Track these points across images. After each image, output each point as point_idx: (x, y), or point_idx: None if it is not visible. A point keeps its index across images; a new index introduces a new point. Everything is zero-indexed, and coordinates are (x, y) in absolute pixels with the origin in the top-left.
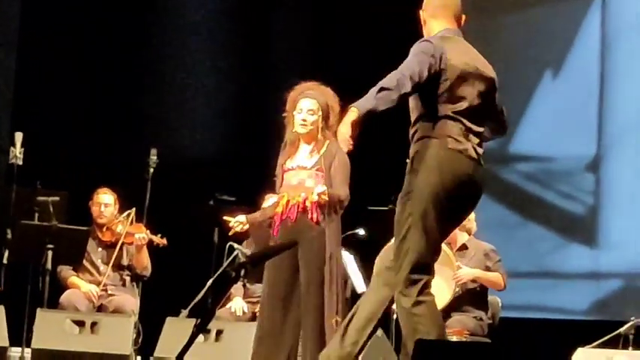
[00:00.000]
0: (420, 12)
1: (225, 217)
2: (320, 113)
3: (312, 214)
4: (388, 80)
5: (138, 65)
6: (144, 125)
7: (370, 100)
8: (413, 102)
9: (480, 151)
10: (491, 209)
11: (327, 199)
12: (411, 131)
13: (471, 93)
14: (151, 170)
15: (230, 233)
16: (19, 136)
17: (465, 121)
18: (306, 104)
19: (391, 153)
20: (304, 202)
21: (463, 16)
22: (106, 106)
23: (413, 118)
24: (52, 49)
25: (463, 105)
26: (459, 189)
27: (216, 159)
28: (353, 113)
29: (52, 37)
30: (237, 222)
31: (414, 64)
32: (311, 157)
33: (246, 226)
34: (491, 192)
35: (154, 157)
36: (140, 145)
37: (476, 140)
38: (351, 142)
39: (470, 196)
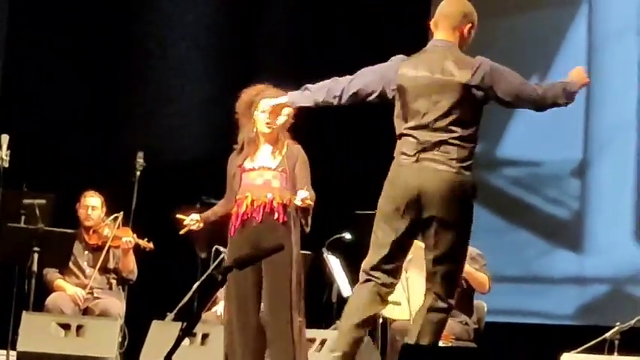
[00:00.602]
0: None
1: (178, 216)
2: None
3: (278, 214)
4: (321, 84)
5: (124, 68)
6: (131, 128)
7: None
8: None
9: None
10: (477, 214)
11: (311, 203)
12: None
13: (426, 106)
14: (138, 173)
15: (182, 232)
16: (5, 139)
17: (417, 134)
18: (270, 104)
19: (377, 158)
20: (271, 203)
21: (467, 26)
22: (93, 109)
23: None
24: (40, 52)
25: (418, 119)
26: (391, 191)
27: (203, 162)
28: (282, 98)
29: (39, 41)
30: (193, 220)
31: (363, 78)
32: (274, 158)
33: (201, 225)
34: (478, 197)
35: (140, 160)
36: (127, 148)
37: (437, 152)
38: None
39: (402, 196)
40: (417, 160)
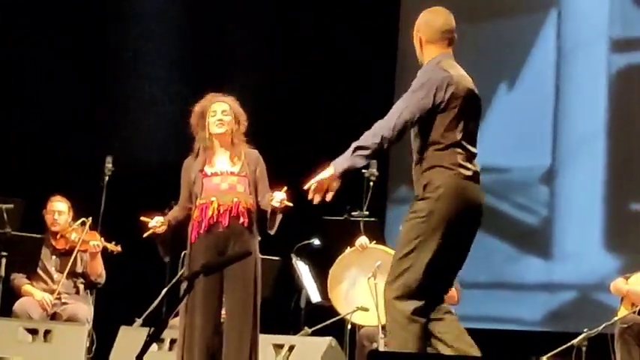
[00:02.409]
0: (415, 33)
1: (142, 218)
2: (233, 115)
3: (244, 219)
4: (371, 134)
5: (92, 74)
6: (99, 133)
7: (347, 160)
8: (416, 130)
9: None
10: None
11: (289, 204)
12: (417, 157)
13: (471, 117)
14: (107, 178)
15: (145, 235)
16: None
17: (468, 146)
18: (221, 107)
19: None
20: (237, 207)
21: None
22: (61, 114)
23: (417, 144)
24: (6, 59)
25: (466, 130)
26: (471, 216)
27: (171, 167)
28: (329, 170)
29: (8, 48)
30: (158, 222)
31: (414, 105)
32: (234, 164)
33: (166, 227)
34: None
35: (109, 165)
36: (95, 152)
37: (476, 164)
38: (318, 197)
39: (478, 222)
40: (475, 174)
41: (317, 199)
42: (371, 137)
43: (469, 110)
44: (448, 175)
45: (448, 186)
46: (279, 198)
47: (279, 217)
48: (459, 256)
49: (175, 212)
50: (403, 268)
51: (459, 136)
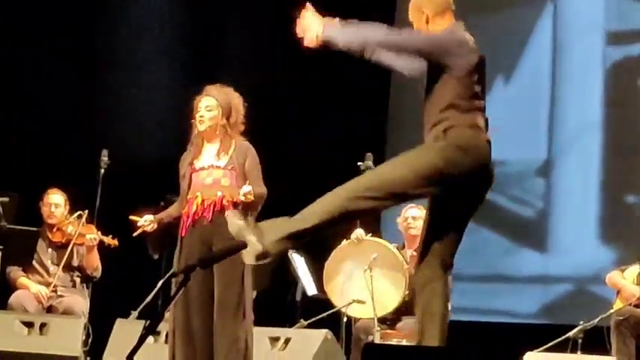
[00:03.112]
0: (416, 13)
1: (132, 217)
2: (219, 110)
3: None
4: (374, 26)
5: (88, 68)
6: (95, 127)
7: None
8: (438, 89)
9: None
10: None
11: (252, 198)
12: (435, 118)
13: (484, 84)
14: (102, 171)
15: (135, 233)
16: None
17: (484, 114)
18: (204, 102)
19: (338, 155)
20: (221, 201)
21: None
22: (57, 109)
23: (437, 105)
24: (3, 55)
25: (484, 99)
26: (483, 176)
27: (168, 161)
28: (319, 24)
29: (5, 44)
30: (147, 221)
31: (434, 38)
32: (221, 157)
33: (155, 226)
34: None
35: (105, 158)
36: (91, 146)
37: None
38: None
39: (487, 187)
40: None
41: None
42: (369, 28)
43: (483, 78)
44: (473, 132)
45: (471, 138)
46: (243, 191)
47: (251, 209)
48: (462, 216)
49: (171, 209)
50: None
51: (482, 104)
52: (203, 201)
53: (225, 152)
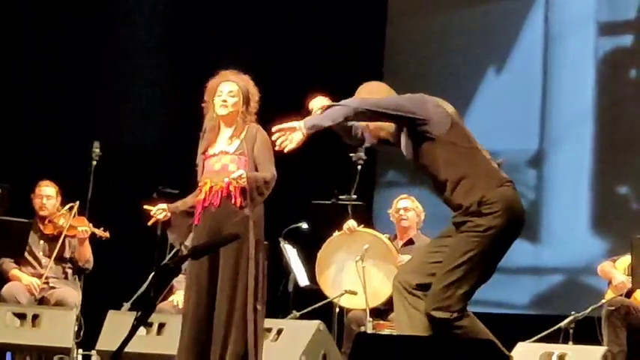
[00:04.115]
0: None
1: (145, 206)
2: (240, 96)
3: (235, 199)
4: (348, 101)
5: (79, 60)
6: (86, 118)
7: (314, 118)
8: (446, 156)
9: None
10: (436, 204)
11: (243, 182)
12: (457, 178)
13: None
14: (94, 163)
15: (150, 222)
16: None
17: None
18: (228, 87)
19: (334, 150)
20: (227, 187)
21: None
22: (49, 100)
23: (451, 170)
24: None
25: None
26: (519, 228)
27: (159, 153)
28: (299, 123)
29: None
30: (159, 210)
31: (406, 101)
32: (232, 142)
33: (168, 214)
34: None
35: (96, 150)
36: (83, 138)
37: None
38: (281, 142)
39: (520, 231)
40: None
41: (278, 146)
42: (346, 103)
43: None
44: (502, 190)
45: (505, 200)
46: (234, 175)
47: (247, 194)
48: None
49: (188, 197)
50: (451, 280)
51: (483, 150)
52: (211, 188)
53: (237, 137)
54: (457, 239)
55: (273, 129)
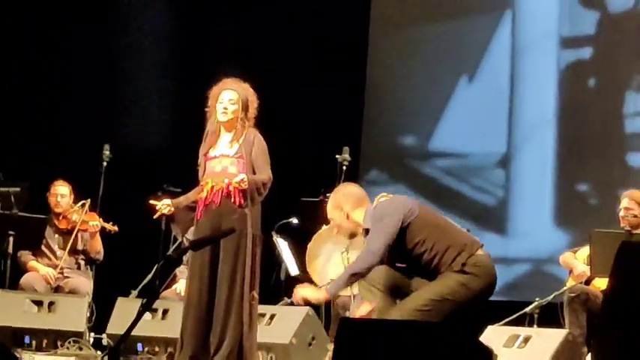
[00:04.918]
0: (339, 213)
1: (151, 201)
2: (240, 104)
3: (235, 197)
4: (360, 263)
5: (92, 71)
6: (97, 123)
7: (341, 284)
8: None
9: None
10: None
11: (245, 186)
12: (439, 258)
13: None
14: (105, 164)
15: (155, 216)
16: None
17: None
18: (228, 95)
19: (321, 151)
20: (228, 187)
21: None
22: (63, 107)
23: (430, 254)
24: (13, 52)
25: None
26: (493, 288)
27: (164, 154)
28: (322, 293)
29: (15, 42)
30: (164, 205)
31: (387, 227)
32: (232, 146)
33: (172, 209)
34: (413, 185)
35: (107, 152)
36: (94, 141)
37: None
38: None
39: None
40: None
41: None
42: (358, 264)
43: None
44: (482, 255)
45: (486, 265)
46: (236, 179)
47: (247, 195)
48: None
49: (190, 193)
50: (421, 305)
51: (454, 229)
52: (212, 187)
53: (237, 141)
54: (441, 281)
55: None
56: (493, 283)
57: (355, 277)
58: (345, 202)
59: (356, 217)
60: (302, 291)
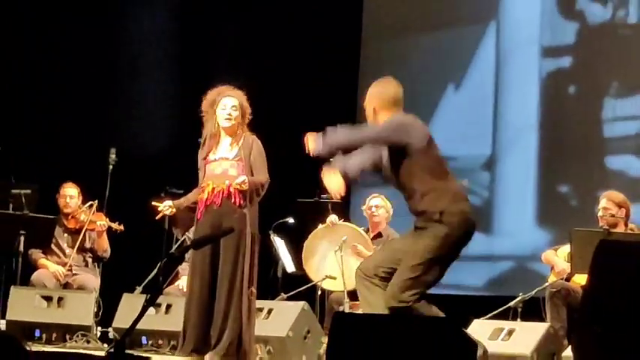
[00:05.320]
0: (367, 104)
1: (153, 203)
2: (240, 110)
3: (235, 198)
4: (349, 135)
5: (100, 80)
6: (104, 129)
7: (327, 143)
8: (415, 168)
9: None
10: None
11: (246, 187)
12: (422, 189)
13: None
14: (111, 167)
15: (157, 217)
16: None
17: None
18: (230, 102)
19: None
20: (228, 188)
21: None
22: (72, 113)
23: (417, 181)
24: (24, 65)
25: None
26: (471, 235)
27: (167, 158)
28: (319, 142)
29: (22, 51)
30: (166, 206)
31: (390, 133)
32: (231, 150)
33: (174, 210)
34: None
35: (112, 156)
36: (101, 145)
37: None
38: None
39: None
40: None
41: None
42: (340, 134)
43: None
44: (462, 205)
45: (463, 214)
46: (237, 181)
47: (247, 195)
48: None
49: (190, 195)
50: (410, 277)
51: (448, 168)
52: (213, 189)
53: (236, 145)
54: (418, 242)
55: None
56: (470, 231)
57: (335, 145)
58: (377, 100)
59: (380, 119)
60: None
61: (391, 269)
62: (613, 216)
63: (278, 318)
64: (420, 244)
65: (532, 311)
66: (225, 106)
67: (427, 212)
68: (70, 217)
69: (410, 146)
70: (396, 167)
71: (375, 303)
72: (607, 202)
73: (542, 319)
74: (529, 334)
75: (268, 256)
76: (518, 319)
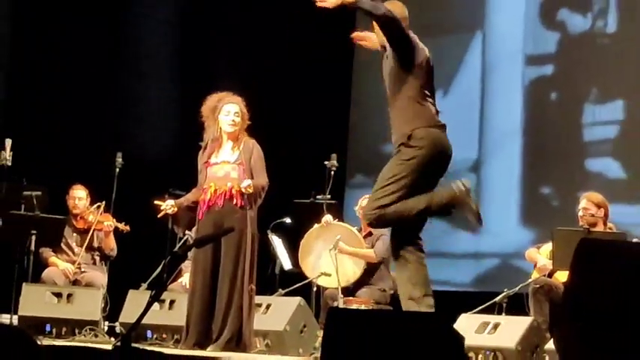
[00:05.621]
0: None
1: (156, 202)
2: (241, 116)
3: (236, 200)
4: (383, 9)
5: (108, 86)
6: (111, 134)
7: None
8: (397, 84)
9: None
10: None
11: (251, 190)
12: (398, 109)
13: (433, 79)
14: (117, 170)
15: (159, 215)
16: (8, 142)
17: (435, 104)
18: (233, 108)
19: (312, 156)
20: (230, 190)
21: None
22: (81, 118)
23: (399, 98)
24: (38, 70)
25: (433, 90)
26: (443, 160)
27: (170, 160)
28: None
29: (36, 57)
30: (168, 205)
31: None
32: (233, 153)
33: (176, 209)
34: None
35: (119, 159)
36: (108, 149)
37: None
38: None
39: (447, 164)
40: (444, 127)
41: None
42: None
43: (432, 74)
44: (431, 130)
45: (431, 138)
46: (242, 185)
47: (251, 197)
48: (429, 188)
49: (190, 195)
50: (378, 197)
51: (430, 93)
52: (216, 190)
53: (237, 149)
54: (389, 165)
55: None
56: (439, 152)
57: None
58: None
59: None
60: None
61: None
62: (593, 216)
63: (276, 313)
64: (389, 168)
65: (516, 306)
66: (229, 112)
67: (397, 133)
68: (78, 217)
69: (413, 54)
70: (393, 79)
71: None
72: (587, 203)
73: (526, 314)
74: (514, 327)
75: (266, 255)
76: (504, 314)
